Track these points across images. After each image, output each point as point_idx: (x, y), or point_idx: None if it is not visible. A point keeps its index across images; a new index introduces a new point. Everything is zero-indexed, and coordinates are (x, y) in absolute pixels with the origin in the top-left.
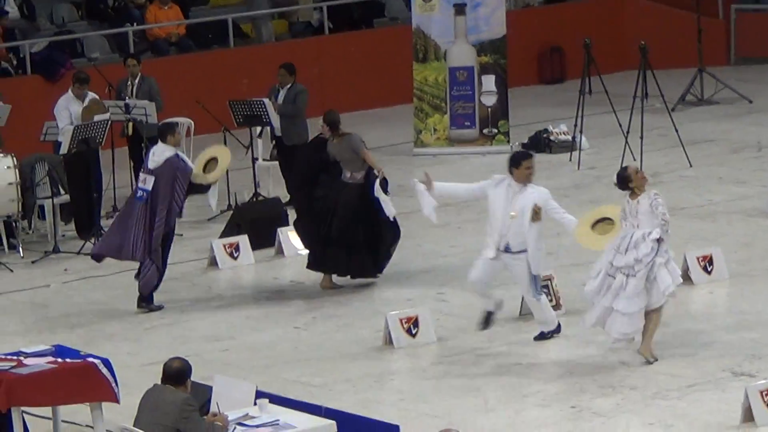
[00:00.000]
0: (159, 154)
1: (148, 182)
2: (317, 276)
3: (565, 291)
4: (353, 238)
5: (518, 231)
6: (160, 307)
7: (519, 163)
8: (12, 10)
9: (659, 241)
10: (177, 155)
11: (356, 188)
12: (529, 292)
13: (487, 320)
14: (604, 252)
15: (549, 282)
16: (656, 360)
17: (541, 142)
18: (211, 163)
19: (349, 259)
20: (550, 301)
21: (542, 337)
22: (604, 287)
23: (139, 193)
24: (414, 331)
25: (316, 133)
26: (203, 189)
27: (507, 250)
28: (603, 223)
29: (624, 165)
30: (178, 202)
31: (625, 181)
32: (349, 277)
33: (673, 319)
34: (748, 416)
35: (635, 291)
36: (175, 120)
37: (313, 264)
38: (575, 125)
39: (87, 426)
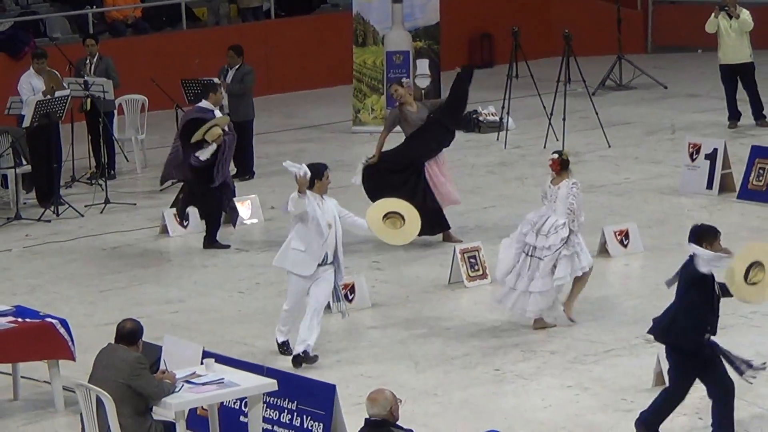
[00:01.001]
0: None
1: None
2: (261, 243)
3: (492, 261)
4: None
5: (332, 241)
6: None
7: (321, 174)
8: None
9: (570, 233)
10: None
11: None
12: (332, 300)
13: (296, 359)
14: (521, 222)
15: (476, 252)
16: (574, 323)
17: (470, 122)
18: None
19: None
20: (477, 270)
21: (298, 359)
22: (517, 268)
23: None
24: (351, 297)
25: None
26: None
27: (324, 262)
28: (392, 217)
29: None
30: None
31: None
32: None
33: (591, 288)
34: (660, 380)
35: (545, 272)
36: (212, 80)
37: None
38: (503, 107)
39: (44, 382)
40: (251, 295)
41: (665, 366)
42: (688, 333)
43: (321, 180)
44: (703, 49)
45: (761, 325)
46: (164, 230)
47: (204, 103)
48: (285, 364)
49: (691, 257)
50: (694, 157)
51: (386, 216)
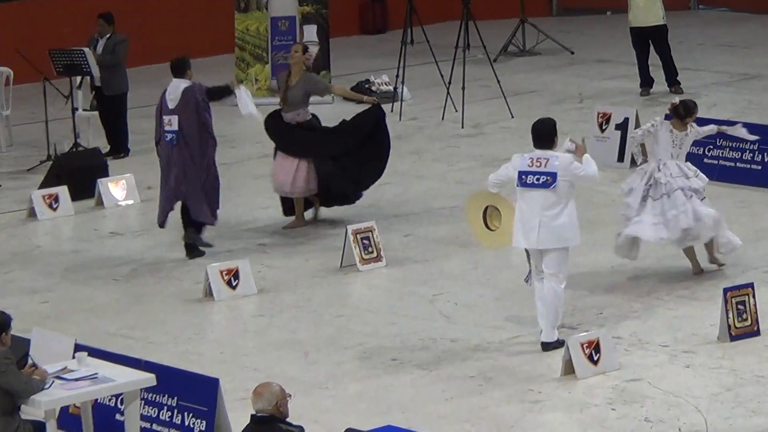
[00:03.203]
0: (174, 90)
1: (173, 122)
2: (134, 226)
3: (386, 242)
4: None
5: None
6: (209, 245)
7: None
8: None
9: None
10: (190, 84)
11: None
12: None
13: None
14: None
15: (370, 233)
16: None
17: (363, 93)
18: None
19: None
20: (371, 252)
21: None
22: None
23: (168, 136)
24: (234, 283)
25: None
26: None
27: None
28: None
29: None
30: (210, 129)
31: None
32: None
33: (492, 271)
34: (569, 368)
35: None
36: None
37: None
38: (397, 76)
39: None
40: (128, 283)
41: (575, 353)
42: None
43: None
44: (611, 11)
45: (675, 309)
46: (32, 213)
47: (179, 82)
48: (164, 357)
49: None
50: (604, 127)
51: (485, 211)
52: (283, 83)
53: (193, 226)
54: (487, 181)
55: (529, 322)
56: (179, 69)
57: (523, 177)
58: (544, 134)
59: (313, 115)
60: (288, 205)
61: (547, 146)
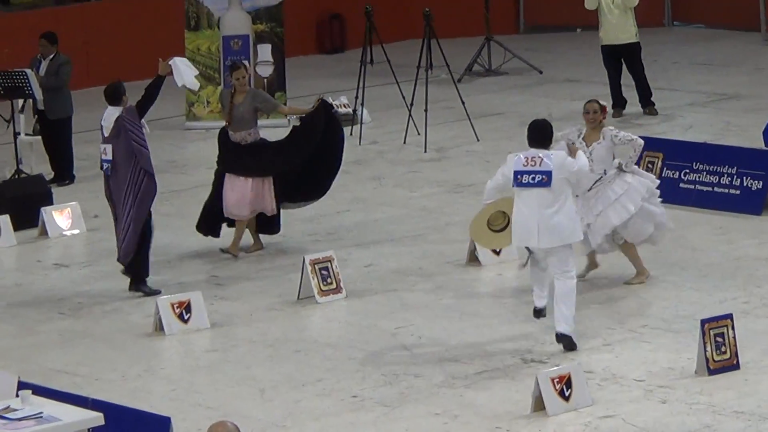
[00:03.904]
0: (108, 118)
1: (107, 152)
2: (80, 257)
3: (346, 273)
4: None
5: None
6: (157, 292)
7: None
8: None
9: None
10: (122, 112)
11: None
12: None
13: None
14: None
15: (329, 263)
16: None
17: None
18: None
19: None
20: (330, 284)
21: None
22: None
23: (104, 166)
24: (186, 317)
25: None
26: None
27: None
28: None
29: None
30: (140, 142)
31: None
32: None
33: (460, 302)
34: (539, 405)
35: None
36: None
37: None
38: (356, 97)
39: None
40: (74, 317)
41: (545, 389)
42: None
43: None
44: (582, 29)
45: (651, 341)
46: None
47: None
48: (113, 394)
49: None
50: None
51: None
52: (228, 102)
53: (131, 274)
54: (485, 190)
55: (496, 356)
56: (114, 97)
57: (519, 177)
58: (540, 132)
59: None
60: (209, 222)
61: (543, 145)
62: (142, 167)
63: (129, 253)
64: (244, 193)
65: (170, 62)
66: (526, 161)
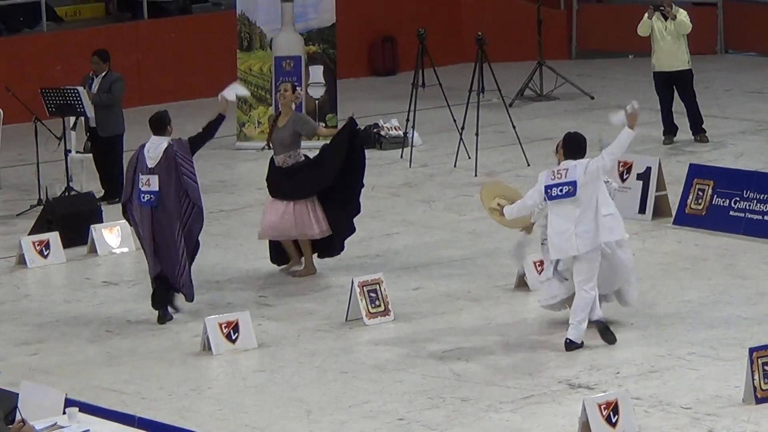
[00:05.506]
0: (155, 148)
1: (152, 183)
2: (129, 275)
3: (394, 295)
4: None
5: None
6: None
7: None
8: None
9: None
10: (171, 142)
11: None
12: None
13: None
14: None
15: (377, 285)
16: None
17: (371, 138)
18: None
19: None
20: (378, 306)
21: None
22: None
23: (145, 197)
24: (234, 337)
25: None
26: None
27: None
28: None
29: None
30: (192, 176)
31: None
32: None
33: (505, 327)
34: (585, 430)
35: None
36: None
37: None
38: (407, 120)
39: None
40: (121, 335)
41: (592, 415)
42: None
43: None
44: (634, 55)
45: (698, 368)
46: (21, 261)
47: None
48: (159, 413)
49: None
50: (625, 177)
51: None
52: (271, 125)
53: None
54: (525, 210)
55: (543, 381)
56: (159, 126)
57: (549, 191)
58: (574, 144)
59: (306, 156)
60: (276, 251)
61: (577, 156)
62: (192, 201)
63: (185, 284)
64: (282, 217)
65: (225, 93)
66: (553, 175)
